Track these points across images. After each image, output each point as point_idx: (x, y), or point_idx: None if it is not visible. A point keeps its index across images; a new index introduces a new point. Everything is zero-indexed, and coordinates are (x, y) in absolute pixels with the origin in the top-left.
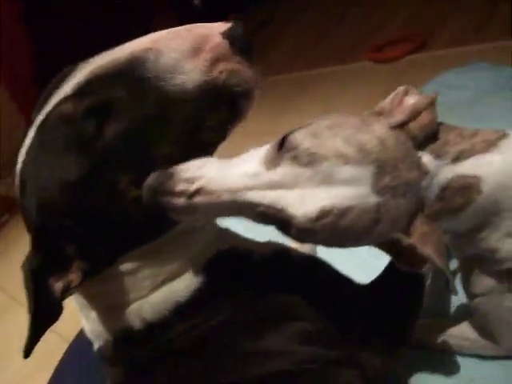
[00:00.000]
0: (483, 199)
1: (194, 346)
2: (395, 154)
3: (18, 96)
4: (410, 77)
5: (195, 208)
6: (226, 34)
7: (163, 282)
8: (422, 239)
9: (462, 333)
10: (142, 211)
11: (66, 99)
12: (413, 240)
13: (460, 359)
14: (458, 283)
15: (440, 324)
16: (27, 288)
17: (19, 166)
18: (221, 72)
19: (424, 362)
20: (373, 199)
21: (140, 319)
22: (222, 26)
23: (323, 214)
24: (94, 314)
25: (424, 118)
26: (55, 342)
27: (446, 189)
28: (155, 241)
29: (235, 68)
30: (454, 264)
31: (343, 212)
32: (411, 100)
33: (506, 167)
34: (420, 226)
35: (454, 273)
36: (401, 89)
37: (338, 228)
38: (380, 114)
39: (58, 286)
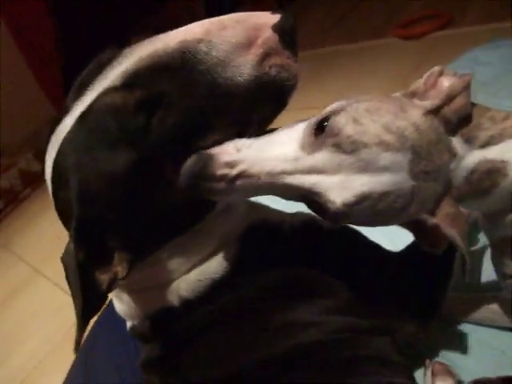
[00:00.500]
0: (509, 183)
1: (229, 320)
2: (429, 140)
3: (41, 78)
4: (436, 53)
5: (235, 190)
6: (277, 27)
7: (200, 262)
8: (447, 220)
9: (492, 306)
10: (186, 200)
11: (114, 89)
12: (438, 220)
13: (492, 331)
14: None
15: (471, 297)
16: (72, 282)
17: (52, 154)
18: (271, 67)
19: (455, 333)
20: (408, 184)
21: (178, 297)
22: (272, 18)
23: (362, 199)
24: (126, 296)
25: (458, 102)
26: None
27: (473, 172)
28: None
29: (284, 63)
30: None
31: (381, 197)
32: (446, 82)
33: None
34: (446, 208)
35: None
36: (435, 69)
37: (373, 211)
38: (414, 94)
39: (104, 278)
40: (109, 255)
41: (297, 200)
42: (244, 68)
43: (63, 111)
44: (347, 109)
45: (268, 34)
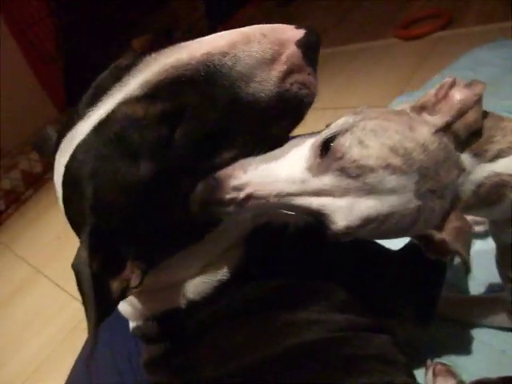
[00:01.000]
0: None
1: (233, 320)
2: (437, 160)
3: (43, 78)
4: (437, 54)
5: (244, 211)
6: (301, 43)
7: (207, 265)
8: (453, 234)
9: (493, 307)
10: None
11: (135, 100)
12: (444, 235)
13: (492, 331)
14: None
15: (471, 298)
16: (85, 290)
17: (64, 159)
18: (292, 84)
19: (456, 333)
20: (414, 204)
21: (184, 299)
22: (297, 33)
23: (367, 222)
24: (131, 296)
25: (470, 117)
26: (80, 313)
27: (481, 186)
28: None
29: (305, 80)
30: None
31: (386, 218)
32: (457, 95)
33: None
34: (453, 222)
35: None
36: (447, 81)
37: (378, 231)
38: (423, 108)
39: (117, 286)
40: (122, 264)
41: (303, 214)
42: (267, 84)
43: (75, 115)
44: (353, 129)
45: (292, 49)
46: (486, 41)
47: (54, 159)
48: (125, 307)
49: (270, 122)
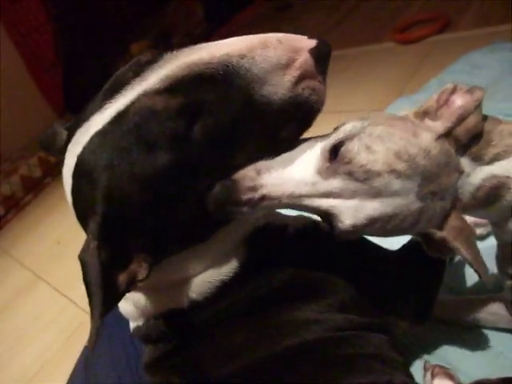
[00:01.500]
0: None
1: (235, 320)
2: (438, 163)
3: (43, 83)
4: (434, 57)
5: (257, 210)
6: (313, 52)
7: (211, 265)
8: (454, 233)
9: (490, 308)
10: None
11: (155, 92)
12: (444, 234)
13: (490, 333)
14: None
15: (469, 300)
16: (91, 280)
17: (77, 149)
18: (304, 89)
19: (454, 335)
20: (416, 205)
21: (187, 299)
22: (310, 43)
23: (372, 222)
24: (133, 296)
25: (470, 122)
26: (80, 318)
27: (480, 188)
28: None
29: (316, 86)
30: None
31: (390, 219)
32: (458, 101)
33: None
34: (453, 222)
35: None
36: (448, 86)
37: (382, 231)
38: (426, 113)
39: (123, 279)
40: (129, 256)
41: (312, 213)
42: (280, 88)
43: (91, 108)
44: (360, 135)
45: (305, 57)
46: (482, 44)
47: (62, 153)
48: (126, 307)
49: (281, 126)
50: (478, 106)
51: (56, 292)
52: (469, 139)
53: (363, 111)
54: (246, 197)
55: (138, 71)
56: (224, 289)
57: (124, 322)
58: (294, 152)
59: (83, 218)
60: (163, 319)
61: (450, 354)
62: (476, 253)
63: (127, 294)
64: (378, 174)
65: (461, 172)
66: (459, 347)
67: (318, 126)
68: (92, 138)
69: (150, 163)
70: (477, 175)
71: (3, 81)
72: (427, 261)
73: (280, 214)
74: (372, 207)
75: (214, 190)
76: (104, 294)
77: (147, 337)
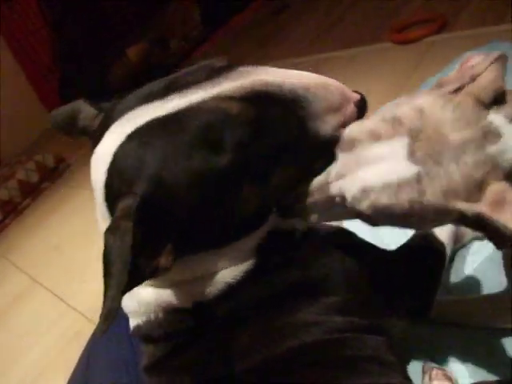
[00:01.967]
0: None
1: (236, 322)
2: (436, 120)
3: (40, 89)
4: (431, 58)
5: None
6: (357, 104)
7: (222, 267)
8: (496, 207)
9: (488, 308)
10: (249, 215)
11: (230, 98)
12: (478, 208)
13: (488, 335)
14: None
15: (467, 300)
16: (114, 259)
17: (130, 129)
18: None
19: (452, 337)
20: (411, 170)
21: (191, 299)
22: (356, 96)
23: (365, 193)
24: (138, 291)
25: (485, 77)
26: (79, 323)
27: None
28: None
29: None
30: None
31: (383, 188)
32: (471, 63)
33: None
34: (493, 193)
35: None
36: (465, 55)
37: (383, 204)
38: (440, 85)
39: (147, 266)
40: (158, 245)
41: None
42: (329, 126)
43: (139, 95)
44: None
45: (352, 107)
46: (480, 44)
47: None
48: (128, 303)
49: (317, 158)
50: (494, 61)
51: (54, 297)
52: (491, 97)
53: None
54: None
55: (212, 75)
56: (229, 292)
57: (121, 323)
58: None
59: (115, 196)
60: (164, 319)
61: (448, 356)
62: None
63: (134, 289)
64: (359, 140)
65: (497, 135)
66: (457, 349)
67: None
68: (151, 122)
69: (209, 161)
70: None
71: (1, 87)
72: (425, 260)
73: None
74: (360, 178)
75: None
76: (129, 275)
77: (148, 336)
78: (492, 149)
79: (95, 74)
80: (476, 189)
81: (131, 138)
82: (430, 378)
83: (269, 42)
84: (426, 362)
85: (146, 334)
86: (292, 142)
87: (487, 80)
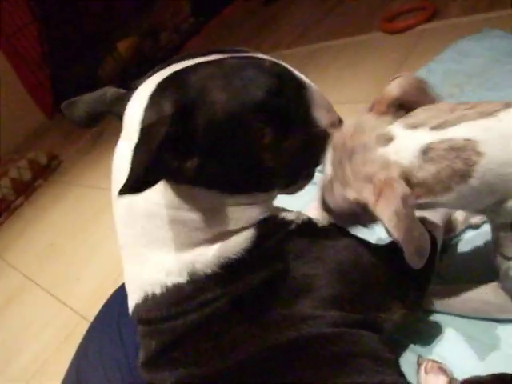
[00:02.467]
0: (489, 164)
1: (230, 313)
2: (345, 134)
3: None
4: (423, 47)
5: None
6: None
7: (220, 236)
8: (375, 197)
9: (483, 297)
10: (262, 173)
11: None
12: (368, 198)
13: (483, 327)
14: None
15: (461, 288)
16: (148, 142)
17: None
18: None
19: (447, 329)
20: (330, 172)
21: (192, 272)
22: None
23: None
24: (140, 258)
25: (386, 95)
26: (73, 321)
27: (427, 151)
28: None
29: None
30: None
31: (324, 189)
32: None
33: (500, 133)
34: (377, 186)
35: None
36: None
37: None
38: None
39: (176, 162)
40: (187, 153)
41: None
42: (324, 120)
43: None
44: None
45: (335, 116)
46: (471, 32)
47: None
48: (132, 269)
49: (314, 145)
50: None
51: (49, 295)
52: (388, 110)
53: (352, 102)
54: None
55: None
56: (228, 267)
57: (113, 326)
58: None
59: (156, 102)
60: (160, 295)
61: (443, 349)
62: (405, 223)
63: (137, 257)
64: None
65: (389, 138)
66: (452, 341)
67: None
68: (200, 63)
69: (247, 94)
70: (418, 140)
71: None
72: None
73: (290, 211)
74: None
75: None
76: (156, 159)
77: (144, 319)
78: (381, 150)
79: (86, 68)
80: (366, 181)
81: (169, 78)
82: (425, 371)
83: (260, 33)
84: (420, 354)
85: (142, 316)
86: (300, 118)
87: (387, 97)
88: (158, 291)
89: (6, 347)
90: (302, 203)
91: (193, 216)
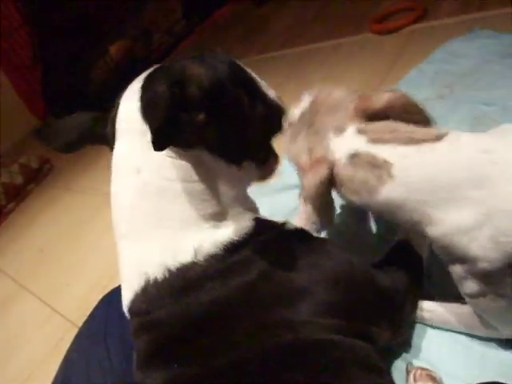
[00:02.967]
0: (397, 187)
1: (224, 312)
2: (317, 98)
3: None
4: (413, 47)
5: None
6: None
7: (227, 217)
8: (310, 169)
9: (463, 317)
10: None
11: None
12: (305, 168)
13: (471, 334)
14: None
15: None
16: (156, 105)
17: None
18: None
19: (436, 337)
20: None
21: (199, 251)
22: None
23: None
24: (156, 236)
25: (369, 104)
26: (64, 328)
27: (354, 156)
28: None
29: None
30: None
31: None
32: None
33: (415, 163)
34: (312, 159)
35: None
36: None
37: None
38: None
39: (184, 116)
40: (194, 109)
41: None
42: (272, 94)
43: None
44: None
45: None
46: (461, 32)
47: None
48: (131, 254)
49: (271, 120)
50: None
51: (40, 302)
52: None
53: None
54: None
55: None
56: (232, 249)
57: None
58: None
59: (149, 87)
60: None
61: (432, 356)
62: (317, 194)
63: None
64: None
65: (341, 130)
66: (442, 349)
67: None
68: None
69: (220, 68)
70: (351, 144)
71: None
72: (405, 268)
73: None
74: None
75: None
76: (169, 114)
77: (140, 310)
78: (330, 136)
79: (78, 72)
80: (307, 154)
81: (153, 71)
82: (415, 379)
83: (252, 35)
84: (410, 362)
85: (141, 306)
86: (257, 91)
87: (370, 105)
88: (160, 275)
89: None
90: (288, 211)
91: (202, 187)
